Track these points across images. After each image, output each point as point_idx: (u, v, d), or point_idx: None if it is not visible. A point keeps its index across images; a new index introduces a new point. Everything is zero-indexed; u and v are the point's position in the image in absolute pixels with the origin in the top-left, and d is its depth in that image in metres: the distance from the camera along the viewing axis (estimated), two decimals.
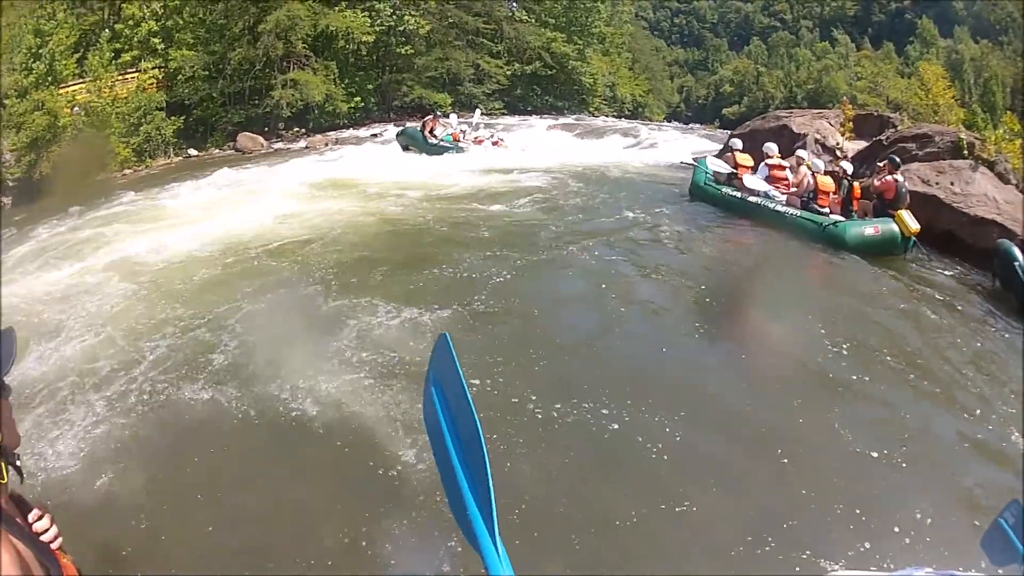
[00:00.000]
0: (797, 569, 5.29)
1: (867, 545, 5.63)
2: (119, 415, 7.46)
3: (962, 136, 18.05)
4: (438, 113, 29.28)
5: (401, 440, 6.51)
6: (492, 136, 27.03)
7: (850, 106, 25.51)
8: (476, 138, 26.36)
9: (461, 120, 29.03)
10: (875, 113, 25.18)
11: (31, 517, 2.29)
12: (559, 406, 7.38)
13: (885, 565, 5.29)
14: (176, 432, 7.16)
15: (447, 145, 25.15)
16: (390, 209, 16.99)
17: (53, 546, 2.31)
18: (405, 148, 26.56)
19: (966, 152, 17.51)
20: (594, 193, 19.23)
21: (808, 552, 5.48)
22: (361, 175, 21.62)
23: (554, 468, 6.40)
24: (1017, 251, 13.50)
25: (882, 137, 20.10)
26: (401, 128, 27.71)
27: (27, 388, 7.80)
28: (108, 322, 10.12)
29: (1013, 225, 15.42)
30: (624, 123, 42.97)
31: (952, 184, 16.69)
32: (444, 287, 11.04)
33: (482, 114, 33.94)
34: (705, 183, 18.51)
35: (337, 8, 35.59)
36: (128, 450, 6.85)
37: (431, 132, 25.78)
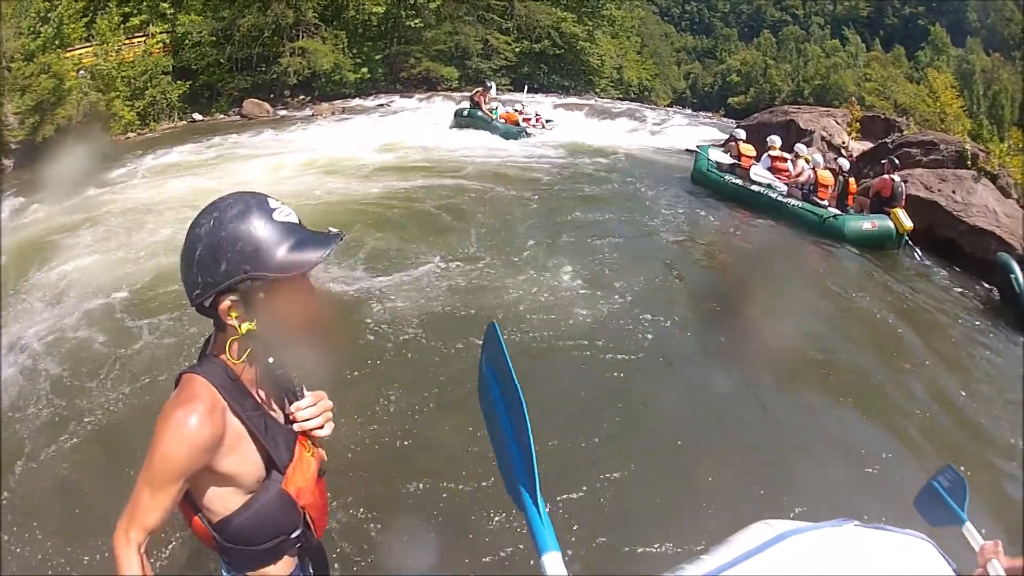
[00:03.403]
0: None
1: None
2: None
3: (967, 147, 18.39)
4: (487, 85, 28.89)
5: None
6: (537, 114, 27.09)
7: (858, 107, 25.79)
8: (526, 117, 26.34)
9: (509, 100, 29.37)
10: (882, 116, 25.43)
11: None
12: (563, 386, 7.83)
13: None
14: None
15: (515, 128, 25.03)
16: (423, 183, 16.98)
17: None
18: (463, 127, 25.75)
19: (970, 163, 17.84)
20: (606, 175, 19.75)
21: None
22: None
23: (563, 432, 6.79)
24: (1015, 265, 14.00)
25: (888, 140, 20.39)
26: (462, 110, 26.78)
27: None
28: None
29: (1011, 239, 15.95)
30: (630, 105, 42.89)
31: (954, 192, 17.04)
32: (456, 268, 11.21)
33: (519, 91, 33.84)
34: (708, 170, 19.15)
35: None
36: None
37: (486, 108, 25.57)
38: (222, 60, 32.73)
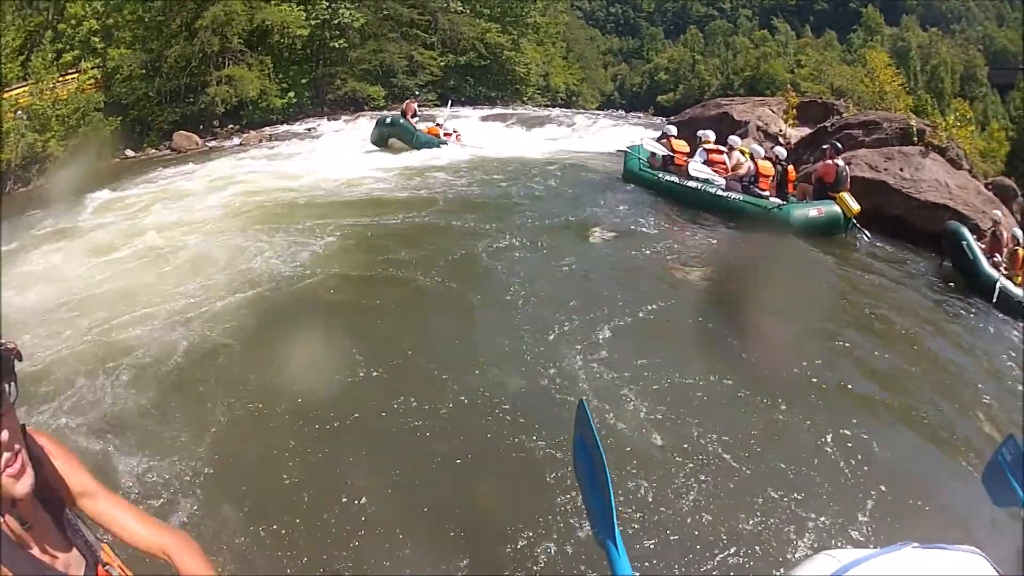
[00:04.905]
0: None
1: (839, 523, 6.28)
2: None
3: (912, 123, 18.84)
4: (416, 95, 29.46)
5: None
6: (455, 130, 26.82)
7: (794, 93, 26.07)
8: (447, 132, 26.00)
9: (428, 115, 29.13)
10: (819, 100, 25.90)
11: None
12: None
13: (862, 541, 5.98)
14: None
15: (436, 140, 24.57)
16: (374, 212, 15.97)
17: None
18: (382, 143, 25.30)
19: (916, 138, 18.25)
20: (531, 185, 19.40)
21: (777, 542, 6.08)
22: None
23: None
24: (967, 232, 14.74)
25: (827, 124, 20.76)
26: (385, 117, 26.33)
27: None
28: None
29: (966, 210, 16.55)
30: (558, 112, 43.61)
31: (901, 170, 17.45)
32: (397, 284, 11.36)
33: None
34: (640, 169, 18.93)
35: (273, 2, 35.54)
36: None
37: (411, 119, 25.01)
38: (151, 93, 32.44)
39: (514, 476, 6.90)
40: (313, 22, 37.26)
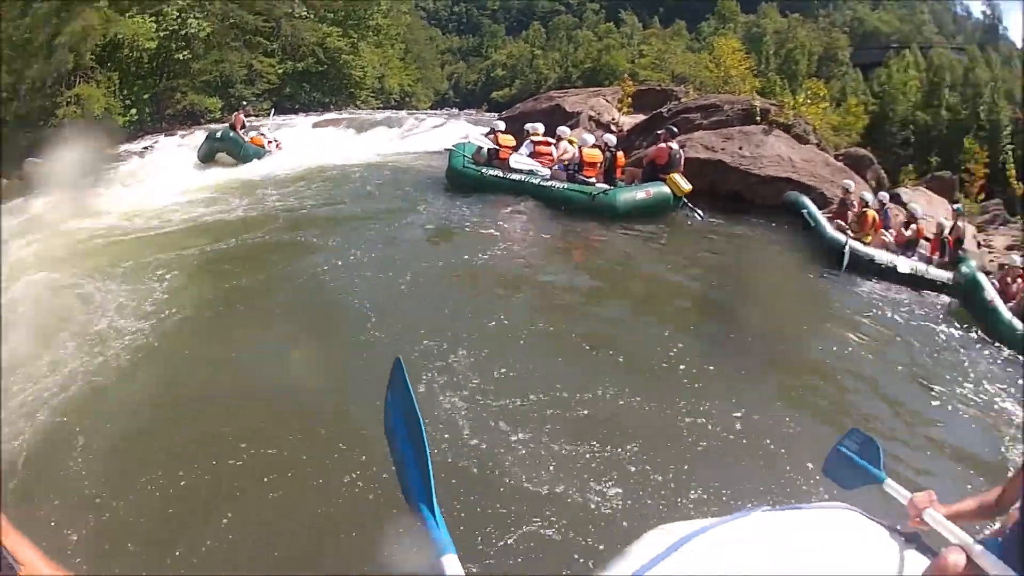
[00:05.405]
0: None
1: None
2: None
3: (756, 103, 20.02)
4: (245, 106, 29.12)
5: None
6: (276, 139, 26.54)
7: (631, 82, 26.67)
8: (269, 140, 25.66)
9: (252, 125, 28.44)
10: (657, 88, 26.88)
11: None
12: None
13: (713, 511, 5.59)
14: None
15: (262, 151, 24.27)
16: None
17: None
18: (210, 159, 24.32)
19: (759, 118, 19.39)
20: (357, 192, 19.37)
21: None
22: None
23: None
24: (806, 200, 16.12)
25: (663, 110, 21.59)
26: (215, 131, 25.10)
27: None
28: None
29: (811, 181, 17.98)
30: (389, 114, 43.91)
31: (740, 148, 18.58)
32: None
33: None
34: (464, 167, 18.67)
35: (128, 15, 34.29)
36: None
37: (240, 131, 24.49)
38: (8, 117, 31.00)
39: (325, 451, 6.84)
40: (162, 33, 36.16)
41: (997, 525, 3.27)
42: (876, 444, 3.62)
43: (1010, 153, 45.12)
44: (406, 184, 20.02)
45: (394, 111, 49.92)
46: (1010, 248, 21.33)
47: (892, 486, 3.40)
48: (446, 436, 6.87)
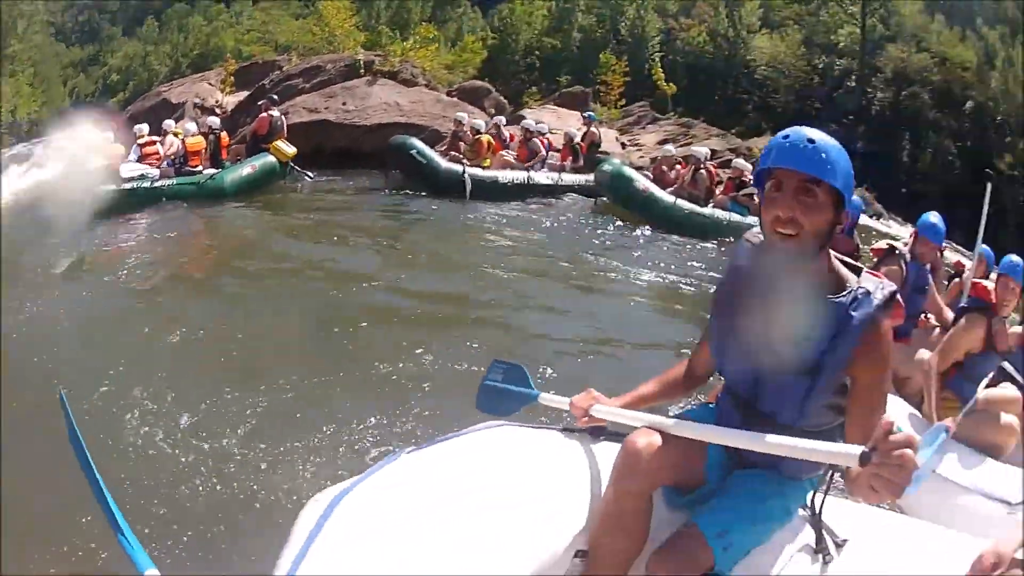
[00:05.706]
0: None
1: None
2: None
3: (359, 57, 20.46)
4: None
5: None
6: None
7: (233, 62, 26.56)
8: None
9: None
10: (259, 62, 26.96)
11: None
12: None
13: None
14: None
15: None
16: None
17: None
18: None
19: (363, 71, 19.76)
20: None
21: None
22: None
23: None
24: (414, 141, 16.16)
25: (265, 82, 21.52)
26: None
27: None
28: None
29: (421, 120, 18.65)
30: (20, 147, 41.45)
31: (344, 104, 19.23)
32: None
33: None
34: None
35: None
36: None
37: None
38: None
39: None
40: None
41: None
42: (520, 367, 3.64)
43: (658, 60, 49.66)
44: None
45: (25, 144, 47.28)
46: (663, 142, 22.81)
47: (548, 398, 3.35)
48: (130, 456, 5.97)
